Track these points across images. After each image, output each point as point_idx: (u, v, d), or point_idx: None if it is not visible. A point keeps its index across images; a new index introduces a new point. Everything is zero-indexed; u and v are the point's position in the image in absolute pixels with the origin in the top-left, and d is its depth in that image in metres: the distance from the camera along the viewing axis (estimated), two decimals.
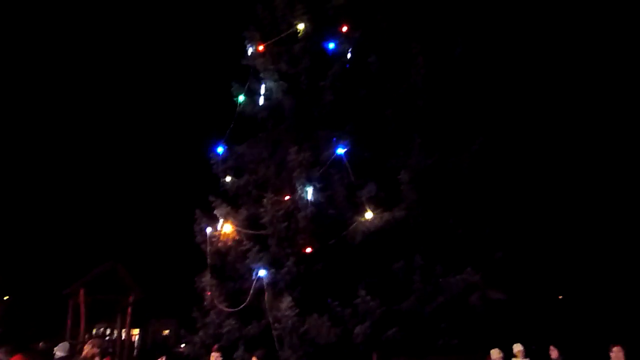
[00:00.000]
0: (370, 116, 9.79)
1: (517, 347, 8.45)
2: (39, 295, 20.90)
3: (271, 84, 9.59)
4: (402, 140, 9.77)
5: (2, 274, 22.66)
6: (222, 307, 8.90)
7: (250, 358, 5.97)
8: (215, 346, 5.88)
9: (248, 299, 8.61)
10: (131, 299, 14.87)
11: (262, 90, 9.85)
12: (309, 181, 8.74)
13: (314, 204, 8.67)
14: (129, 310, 15.01)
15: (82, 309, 14.16)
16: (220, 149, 9.83)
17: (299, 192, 8.75)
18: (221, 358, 5.57)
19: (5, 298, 26.34)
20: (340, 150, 8.79)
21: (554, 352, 8.45)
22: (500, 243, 10.51)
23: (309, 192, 8.68)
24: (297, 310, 8.19)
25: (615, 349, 6.44)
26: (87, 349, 5.67)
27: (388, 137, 9.82)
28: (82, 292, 14.08)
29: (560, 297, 20.64)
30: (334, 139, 9.16)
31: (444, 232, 9.73)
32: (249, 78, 10.02)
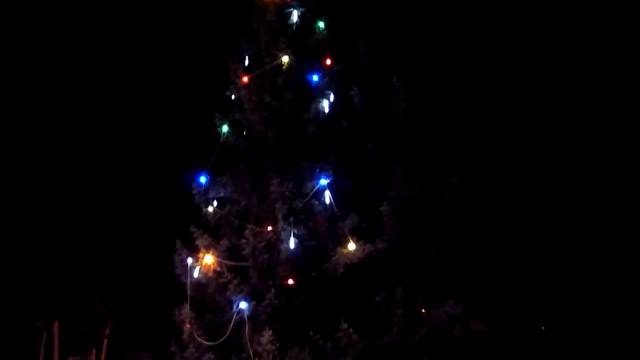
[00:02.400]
0: (353, 148, 9.94)
1: None
2: (10, 327, 20.20)
3: (254, 115, 9.67)
4: (384, 172, 9.90)
5: None
6: (201, 340, 8.74)
7: None
8: None
9: (228, 332, 8.49)
10: (107, 331, 14.46)
11: (245, 121, 9.93)
12: (291, 213, 8.75)
13: (295, 235, 8.67)
14: (105, 342, 14.57)
15: (56, 342, 13.70)
16: (202, 179, 9.81)
17: (281, 223, 8.75)
18: None
19: None
20: (323, 182, 8.84)
21: None
22: (482, 274, 10.60)
23: (291, 224, 8.69)
24: (277, 344, 8.09)
25: None
26: None
27: (370, 169, 9.95)
28: (56, 324, 13.64)
29: (543, 327, 20.70)
30: (317, 170, 9.23)
31: (426, 264, 9.79)
32: (232, 109, 10.10)
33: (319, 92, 9.94)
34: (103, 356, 14.66)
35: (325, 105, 9.85)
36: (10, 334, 20.29)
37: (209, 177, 9.89)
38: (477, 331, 10.14)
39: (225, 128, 10.03)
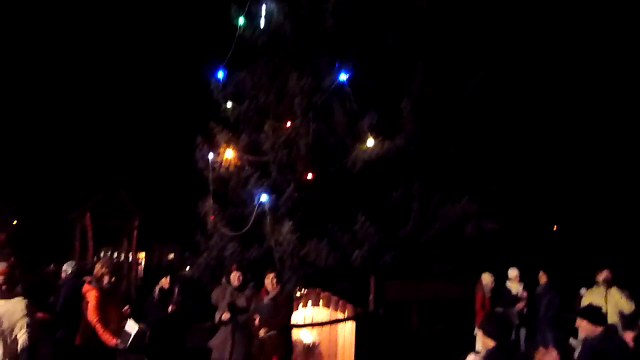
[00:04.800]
0: (373, 42, 9.55)
1: (513, 272, 8.75)
2: (46, 220, 21.44)
3: (272, 6, 9.25)
4: (405, 68, 9.61)
5: (11, 200, 23.22)
6: (225, 231, 9.11)
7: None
8: (235, 265, 6.06)
9: (250, 223, 8.79)
10: (136, 222, 15.18)
11: (263, 13, 9.50)
12: (310, 108, 8.68)
13: (314, 131, 8.66)
14: (134, 233, 15.37)
15: (89, 232, 14.47)
16: (220, 75, 9.64)
17: (300, 118, 8.71)
18: (242, 277, 5.76)
19: (14, 222, 27.10)
20: (342, 77, 8.60)
21: (542, 277, 8.76)
22: (498, 174, 10.65)
23: (310, 119, 8.65)
24: (297, 234, 8.40)
25: (604, 272, 6.71)
26: (97, 269, 5.89)
27: (390, 64, 9.63)
28: (88, 216, 14.35)
29: (555, 227, 21.17)
30: (336, 65, 8.97)
31: (443, 162, 9.83)
32: (248, 0, 9.64)
33: None
34: (133, 246, 15.58)
35: None
36: (46, 226, 21.64)
37: (226, 72, 9.71)
38: (490, 230, 10.42)
39: (241, 21, 9.63)
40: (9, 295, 4.34)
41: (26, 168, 24.03)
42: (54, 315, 5.84)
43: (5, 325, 4.21)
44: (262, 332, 5.50)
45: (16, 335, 4.24)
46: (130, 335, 5.49)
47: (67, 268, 6.20)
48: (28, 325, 4.26)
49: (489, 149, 10.83)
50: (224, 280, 6.24)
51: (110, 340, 5.34)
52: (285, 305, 5.87)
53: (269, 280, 5.78)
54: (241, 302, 5.66)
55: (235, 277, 5.76)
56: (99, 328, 5.34)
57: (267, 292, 5.84)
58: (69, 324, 5.61)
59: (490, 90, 10.55)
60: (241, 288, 5.75)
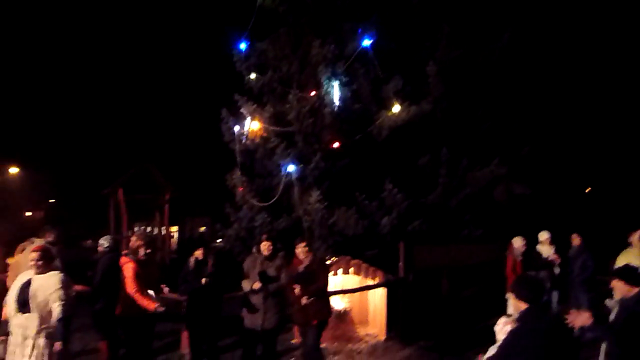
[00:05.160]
0: (396, 5, 9.28)
1: (544, 235, 8.63)
2: (82, 197, 22.13)
3: None
4: (430, 30, 9.35)
5: (48, 179, 24.11)
6: (254, 202, 9.20)
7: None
8: (265, 235, 6.14)
9: (278, 194, 8.85)
10: (167, 196, 15.48)
11: None
12: (334, 76, 8.56)
13: (339, 99, 8.56)
14: (166, 207, 15.69)
15: (123, 208, 14.82)
16: (242, 46, 9.58)
17: (324, 87, 8.61)
18: (272, 246, 5.84)
19: (50, 201, 28.13)
20: (366, 43, 8.38)
21: (575, 240, 8.62)
22: (528, 136, 10.40)
23: (334, 87, 8.54)
24: (325, 203, 8.42)
25: (637, 232, 6.53)
26: (133, 241, 6.07)
27: (415, 27, 9.37)
28: (120, 191, 14.69)
29: (589, 189, 20.69)
30: (359, 30, 8.77)
31: (471, 126, 9.63)
32: None
33: None
34: (166, 220, 15.95)
35: None
36: (82, 203, 22.36)
37: (249, 43, 9.63)
38: (520, 193, 10.23)
39: None
40: (44, 270, 4.52)
41: (62, 147, 24.84)
42: (93, 288, 6.06)
43: (40, 298, 4.38)
44: (304, 300, 5.60)
45: (51, 308, 4.41)
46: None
47: (104, 242, 6.37)
48: (62, 299, 4.42)
49: (518, 111, 10.57)
50: (254, 250, 6.33)
51: (150, 305, 5.52)
52: (321, 270, 5.94)
53: (300, 250, 5.84)
54: (271, 271, 5.74)
55: (265, 246, 5.83)
56: (137, 297, 5.53)
57: (300, 262, 5.92)
58: (108, 295, 5.81)
59: (518, 51, 10.22)
60: (271, 257, 5.83)
